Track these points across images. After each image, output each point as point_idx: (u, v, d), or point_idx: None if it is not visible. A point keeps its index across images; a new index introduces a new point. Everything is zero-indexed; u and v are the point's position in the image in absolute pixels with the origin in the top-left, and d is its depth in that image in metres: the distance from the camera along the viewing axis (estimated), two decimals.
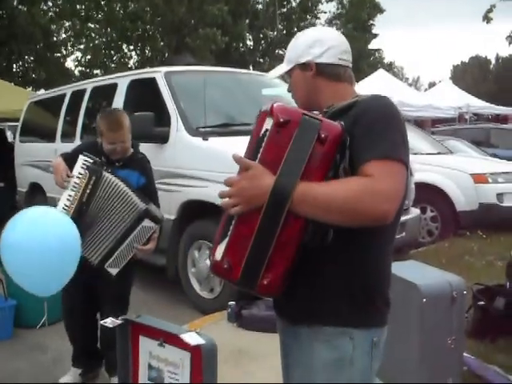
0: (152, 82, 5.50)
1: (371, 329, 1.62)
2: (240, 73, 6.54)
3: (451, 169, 7.30)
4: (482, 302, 3.81)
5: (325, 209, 1.43)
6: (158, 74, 5.51)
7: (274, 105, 1.49)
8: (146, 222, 3.18)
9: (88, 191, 3.13)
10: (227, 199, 1.48)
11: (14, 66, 22.11)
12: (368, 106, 1.56)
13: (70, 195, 3.16)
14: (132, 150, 3.41)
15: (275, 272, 1.49)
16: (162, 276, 5.36)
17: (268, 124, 1.47)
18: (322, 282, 1.59)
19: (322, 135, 1.44)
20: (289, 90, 1.83)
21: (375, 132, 1.49)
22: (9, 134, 13.27)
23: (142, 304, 5.09)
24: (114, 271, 3.20)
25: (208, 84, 5.38)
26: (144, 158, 3.53)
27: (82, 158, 3.18)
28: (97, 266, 3.19)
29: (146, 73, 6.02)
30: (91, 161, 3.18)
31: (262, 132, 1.48)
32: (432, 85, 45.88)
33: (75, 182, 3.15)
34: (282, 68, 1.80)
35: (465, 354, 3.20)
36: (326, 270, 1.58)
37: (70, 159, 3.28)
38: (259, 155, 1.48)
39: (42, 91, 15.50)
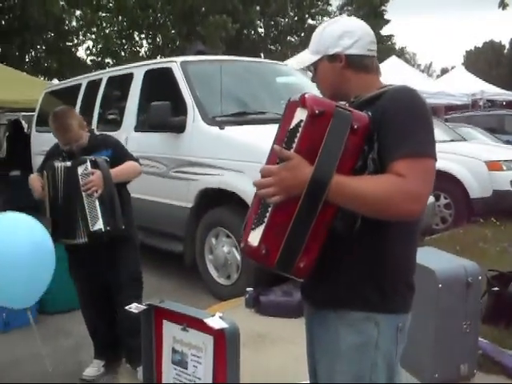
0: (168, 72, 5.56)
1: (396, 314, 1.65)
2: (255, 61, 6.60)
3: (465, 156, 7.31)
4: (497, 288, 3.85)
5: (358, 201, 1.48)
6: (174, 63, 5.56)
7: (307, 96, 1.50)
8: (80, 169, 3.24)
9: (51, 187, 3.30)
10: (266, 189, 1.50)
11: (26, 55, 22.16)
12: (396, 98, 1.57)
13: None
14: (88, 135, 3.47)
15: (310, 256, 1.55)
16: (180, 263, 5.46)
17: (301, 115, 1.49)
18: (348, 267, 1.63)
19: (355, 126, 1.49)
20: (313, 80, 1.84)
21: (404, 128, 1.51)
22: (24, 123, 13.42)
23: (159, 291, 5.17)
24: (99, 226, 3.23)
25: (223, 73, 5.42)
26: (103, 136, 3.66)
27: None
28: (88, 239, 3.26)
29: (162, 63, 6.08)
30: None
31: (296, 123, 1.50)
32: (444, 71, 45.39)
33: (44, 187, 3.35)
34: (308, 59, 1.78)
35: (480, 339, 3.26)
36: (352, 256, 1.62)
37: (42, 169, 3.46)
38: (294, 145, 1.50)
39: (56, 81, 15.63)
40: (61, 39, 22.85)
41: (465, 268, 2.92)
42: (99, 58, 24.79)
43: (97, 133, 3.83)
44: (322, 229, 1.54)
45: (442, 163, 7.41)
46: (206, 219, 5.10)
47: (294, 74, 6.73)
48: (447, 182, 7.14)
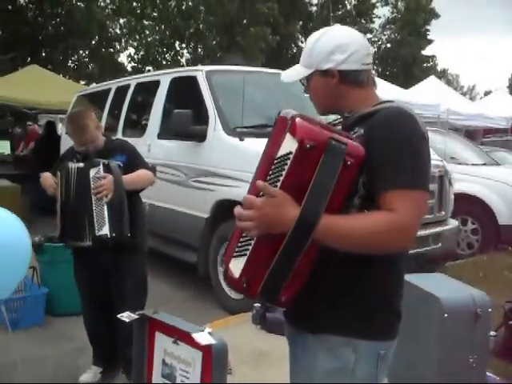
0: (193, 81, 5.55)
1: (378, 341, 1.59)
2: None
3: (495, 181, 7.07)
4: None
5: (346, 243, 1.44)
6: (199, 72, 5.55)
7: (297, 123, 1.40)
8: (92, 172, 3.22)
9: (63, 188, 3.28)
10: (245, 222, 1.44)
11: (70, 60, 22.69)
12: (386, 124, 1.50)
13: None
14: (104, 139, 3.43)
15: (292, 290, 1.52)
16: (193, 274, 5.41)
17: (291, 145, 1.39)
18: (329, 291, 1.58)
19: (348, 162, 1.40)
20: (306, 93, 1.76)
21: (394, 157, 1.46)
22: (60, 126, 13.71)
23: (170, 300, 5.15)
24: (105, 231, 3.20)
25: (249, 84, 5.37)
26: (118, 140, 3.63)
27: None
28: (93, 243, 3.23)
29: (188, 71, 6.09)
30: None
31: (284, 153, 1.40)
32: (488, 93, 44.62)
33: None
34: (299, 73, 1.70)
35: (489, 374, 3.09)
36: (333, 280, 1.57)
37: (56, 170, 3.42)
38: (281, 179, 1.41)
39: (94, 85, 15.92)
40: (103, 45, 23.33)
41: (473, 298, 2.77)
42: (140, 65, 25.20)
43: (113, 138, 3.81)
44: (305, 265, 1.49)
45: (470, 187, 7.30)
46: (221, 231, 5.04)
47: None
48: (475, 207, 6.94)
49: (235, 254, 1.53)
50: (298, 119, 1.40)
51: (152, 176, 3.47)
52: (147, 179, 3.43)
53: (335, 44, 1.61)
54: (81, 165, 3.28)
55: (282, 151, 1.40)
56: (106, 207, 3.20)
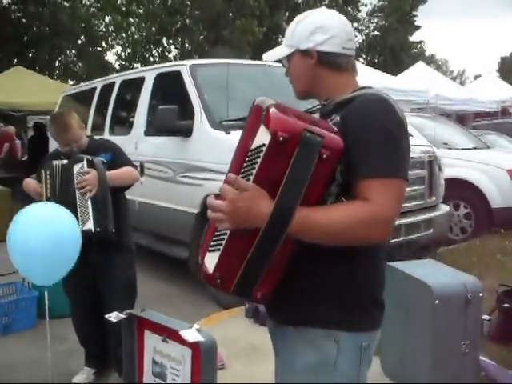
0: (177, 75, 5.49)
1: (360, 333, 1.55)
2: (268, 65, 6.44)
3: (486, 164, 7.05)
4: (507, 305, 3.65)
5: (322, 237, 1.41)
6: (183, 67, 5.50)
7: (271, 114, 1.34)
8: (76, 168, 3.20)
9: (48, 185, 3.27)
10: (216, 213, 1.40)
11: (56, 60, 22.52)
12: (362, 110, 1.47)
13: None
14: (88, 140, 3.43)
15: (268, 286, 1.49)
16: (185, 269, 5.38)
17: (264, 138, 1.33)
18: (308, 283, 1.54)
19: (324, 155, 1.34)
20: (286, 75, 1.74)
21: (369, 145, 1.42)
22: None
23: (163, 297, 5.13)
24: (88, 226, 3.17)
25: (234, 77, 5.32)
26: (102, 140, 3.62)
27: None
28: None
29: (172, 66, 6.01)
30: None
31: (257, 145, 1.35)
32: (478, 77, 44.64)
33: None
34: (281, 52, 1.68)
35: (483, 359, 3.08)
36: (314, 272, 1.53)
37: (39, 172, 3.40)
38: (255, 172, 1.36)
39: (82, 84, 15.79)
40: (90, 44, 23.16)
41: (464, 284, 2.74)
42: (128, 63, 25.04)
43: (96, 137, 3.77)
44: (280, 261, 1.45)
45: (462, 171, 7.30)
46: None
47: None
48: (467, 191, 6.93)
49: (210, 248, 1.49)
50: (272, 110, 1.34)
51: (136, 173, 3.44)
52: (131, 176, 3.40)
53: (316, 25, 1.60)
54: (65, 161, 3.26)
55: (255, 143, 1.36)
56: (89, 202, 3.18)
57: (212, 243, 1.49)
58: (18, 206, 8.25)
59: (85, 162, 3.19)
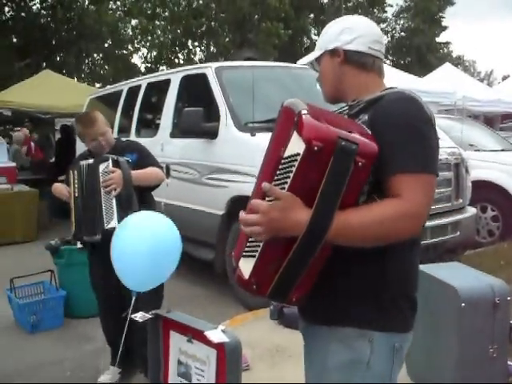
0: (203, 78, 5.53)
1: (393, 333, 1.56)
2: (294, 67, 6.45)
3: None
4: None
5: (360, 239, 1.43)
6: (209, 69, 5.53)
7: (305, 121, 1.33)
8: (101, 167, 3.25)
9: (76, 186, 3.35)
10: (252, 227, 1.41)
11: (83, 63, 22.83)
12: (389, 107, 1.50)
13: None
14: (114, 140, 3.50)
15: (304, 289, 1.49)
16: (211, 270, 5.41)
17: (298, 147, 1.32)
18: (344, 282, 1.55)
19: (360, 163, 1.34)
20: (317, 80, 1.79)
21: (399, 142, 1.45)
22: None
23: (189, 298, 5.17)
24: (113, 224, 3.20)
25: (259, 79, 5.34)
26: (128, 141, 3.68)
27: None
28: (102, 237, 3.24)
29: (198, 68, 6.05)
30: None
31: (291, 154, 1.34)
32: (506, 78, 43.87)
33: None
34: (312, 55, 1.76)
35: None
36: (348, 271, 1.54)
37: (68, 175, 3.48)
38: (289, 181, 1.35)
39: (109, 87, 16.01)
40: (116, 47, 23.43)
41: (492, 287, 2.70)
42: (153, 66, 25.26)
43: (123, 139, 3.83)
44: (317, 266, 1.46)
45: (489, 173, 7.18)
46: (236, 228, 5.00)
47: None
48: (495, 193, 6.82)
49: (244, 253, 1.50)
50: (304, 116, 1.33)
51: (162, 174, 3.49)
52: (157, 176, 3.45)
53: (344, 26, 1.67)
54: (91, 161, 3.33)
55: (288, 151, 1.35)
56: (114, 201, 3.23)
57: (246, 249, 1.49)
58: (45, 208, 8.47)
59: (110, 162, 3.25)
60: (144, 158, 3.46)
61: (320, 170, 1.33)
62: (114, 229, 3.17)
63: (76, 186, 3.35)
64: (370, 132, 1.44)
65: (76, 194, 3.36)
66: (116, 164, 3.24)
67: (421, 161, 1.45)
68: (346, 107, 1.69)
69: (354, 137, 1.36)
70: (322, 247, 1.39)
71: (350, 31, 1.65)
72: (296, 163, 1.33)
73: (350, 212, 1.39)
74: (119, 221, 3.18)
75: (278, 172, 1.38)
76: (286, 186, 1.37)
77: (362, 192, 1.45)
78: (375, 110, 1.51)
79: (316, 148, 1.30)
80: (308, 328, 1.71)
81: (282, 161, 1.36)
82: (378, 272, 1.53)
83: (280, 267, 1.41)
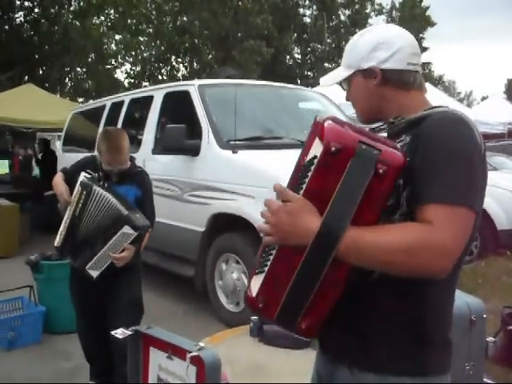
0: (186, 95, 5.56)
1: (429, 377, 1.37)
2: (276, 86, 6.53)
3: (492, 186, 7.00)
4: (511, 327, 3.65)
5: (373, 260, 1.25)
6: (192, 87, 5.57)
7: (325, 124, 1.25)
8: (126, 229, 3.14)
9: (80, 205, 3.18)
10: (264, 225, 1.32)
11: (66, 77, 22.80)
12: (434, 129, 1.30)
13: (68, 212, 3.26)
14: (129, 164, 3.36)
15: (316, 316, 1.34)
16: (191, 287, 5.40)
17: (317, 149, 1.25)
18: (366, 318, 1.38)
19: (380, 170, 1.21)
20: (347, 99, 1.58)
21: (439, 167, 1.25)
22: (58, 143, 13.79)
23: (169, 315, 5.14)
24: (94, 273, 3.19)
25: (242, 97, 5.39)
26: (142, 172, 3.52)
27: (82, 175, 3.22)
28: (77, 266, 3.23)
29: (181, 86, 6.09)
30: (89, 176, 3.21)
31: (309, 158, 1.27)
32: (485, 99, 44.67)
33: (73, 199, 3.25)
34: (339, 74, 1.53)
35: (488, 381, 3.06)
36: (371, 305, 1.37)
37: (69, 174, 3.37)
38: (305, 186, 1.27)
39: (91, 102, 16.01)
40: (100, 62, 23.45)
41: (468, 305, 2.74)
42: (137, 81, 25.31)
43: (137, 164, 3.67)
44: (334, 285, 1.31)
45: None
46: (217, 244, 5.03)
47: (318, 99, 6.67)
48: None
49: (257, 269, 1.39)
50: (327, 122, 1.27)
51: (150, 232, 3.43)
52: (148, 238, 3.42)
53: (378, 40, 1.45)
54: (109, 198, 3.14)
55: (309, 155, 1.28)
56: (109, 261, 3.18)
57: (260, 263, 1.39)
58: (26, 221, 8.37)
59: (133, 235, 3.13)
60: (146, 199, 3.40)
61: (337, 176, 1.23)
62: (92, 277, 3.19)
63: (80, 204, 3.19)
64: (399, 147, 1.31)
65: (76, 213, 3.20)
66: (137, 239, 3.16)
67: (460, 192, 1.24)
68: (384, 124, 1.51)
69: (376, 143, 1.24)
70: (337, 265, 1.26)
71: (386, 47, 1.43)
72: (313, 166, 1.27)
73: (366, 228, 1.24)
74: (100, 275, 3.19)
75: (299, 174, 1.31)
76: (301, 192, 1.29)
77: (392, 220, 1.31)
78: (418, 130, 1.33)
79: (333, 149, 1.22)
80: (327, 363, 1.52)
81: (302, 167, 1.30)
82: (407, 309, 1.35)
83: (288, 285, 1.30)
